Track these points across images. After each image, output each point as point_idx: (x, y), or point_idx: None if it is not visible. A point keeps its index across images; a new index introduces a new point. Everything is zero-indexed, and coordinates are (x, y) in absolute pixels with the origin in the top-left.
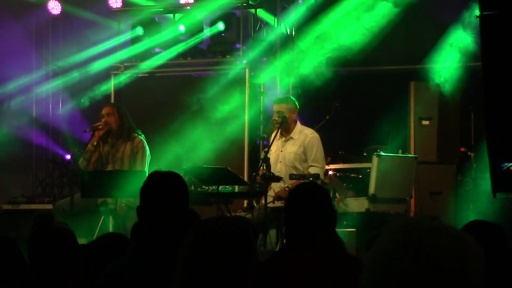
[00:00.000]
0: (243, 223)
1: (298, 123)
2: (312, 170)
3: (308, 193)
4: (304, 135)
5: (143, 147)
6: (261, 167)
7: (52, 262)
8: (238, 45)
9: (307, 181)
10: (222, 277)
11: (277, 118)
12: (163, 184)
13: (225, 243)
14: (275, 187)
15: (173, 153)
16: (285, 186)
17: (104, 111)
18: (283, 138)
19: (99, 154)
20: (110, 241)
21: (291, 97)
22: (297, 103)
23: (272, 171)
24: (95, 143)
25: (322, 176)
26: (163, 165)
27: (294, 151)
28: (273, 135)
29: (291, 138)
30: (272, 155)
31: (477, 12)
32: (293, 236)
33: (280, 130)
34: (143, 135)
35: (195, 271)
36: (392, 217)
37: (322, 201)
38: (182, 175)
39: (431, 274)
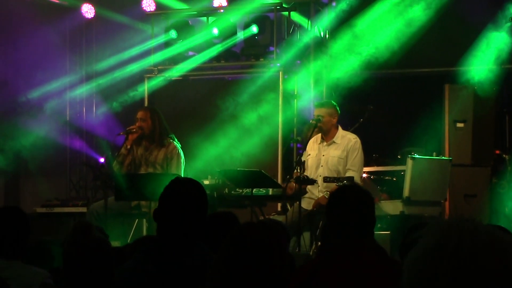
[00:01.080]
0: (275, 229)
1: (340, 128)
2: (348, 174)
3: (352, 196)
4: (348, 139)
5: (178, 154)
6: (296, 170)
7: (88, 270)
8: (271, 48)
9: (341, 184)
10: (255, 282)
11: (311, 121)
12: (180, 190)
13: (257, 250)
14: (312, 190)
15: (207, 156)
16: (325, 193)
17: (138, 115)
18: (325, 143)
19: (132, 157)
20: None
21: (332, 101)
22: (338, 108)
23: (312, 175)
24: (128, 147)
25: (357, 180)
26: (196, 169)
27: (338, 155)
28: (311, 140)
29: (334, 142)
30: (311, 159)
31: (510, 14)
32: (334, 239)
33: (321, 134)
34: (176, 140)
35: (227, 277)
36: (430, 220)
37: (365, 204)
38: (216, 177)
39: (472, 274)
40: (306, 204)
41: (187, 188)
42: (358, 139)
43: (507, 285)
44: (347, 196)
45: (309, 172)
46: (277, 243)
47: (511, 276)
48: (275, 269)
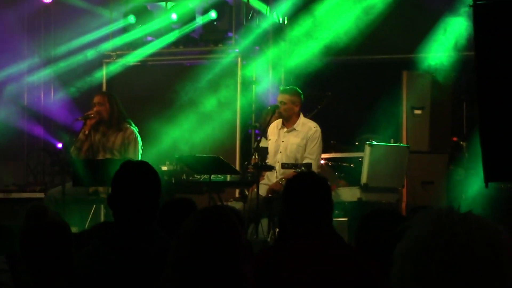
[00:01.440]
0: (230, 214)
1: (302, 115)
2: (306, 161)
3: (309, 183)
4: (308, 128)
5: (135, 138)
6: (254, 156)
7: (46, 255)
8: (230, 34)
9: (299, 170)
10: (214, 267)
11: (281, 107)
12: (132, 173)
13: (213, 234)
14: (270, 176)
15: (165, 142)
16: (279, 179)
17: (95, 100)
18: (285, 129)
19: (90, 143)
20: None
21: (297, 89)
22: (302, 96)
23: (270, 160)
24: (86, 132)
25: (314, 168)
26: (154, 155)
27: (297, 142)
28: (271, 124)
29: (294, 129)
30: (271, 144)
31: (470, 1)
32: (291, 226)
33: (281, 120)
34: (133, 125)
35: (186, 263)
36: (419, 210)
37: (322, 191)
38: (173, 163)
39: (465, 263)
40: (263, 191)
41: (138, 170)
42: (318, 128)
43: (499, 274)
44: (304, 182)
45: (270, 157)
46: (233, 228)
47: (503, 266)
48: (232, 254)
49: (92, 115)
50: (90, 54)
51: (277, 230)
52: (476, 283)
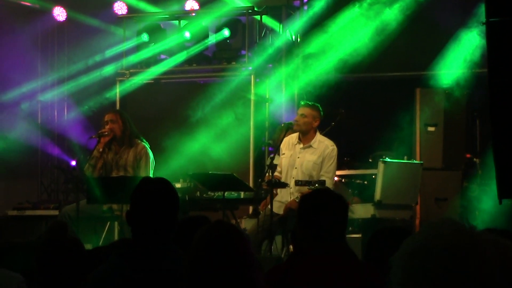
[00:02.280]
0: (237, 230)
1: (318, 132)
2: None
3: (326, 200)
4: (325, 146)
5: (147, 153)
6: (267, 173)
7: (61, 269)
8: (243, 52)
9: (313, 188)
10: (227, 275)
11: (299, 119)
12: (151, 190)
13: (222, 247)
14: (283, 193)
15: (179, 159)
16: (296, 197)
17: (107, 117)
18: (301, 145)
19: (104, 160)
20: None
21: (319, 105)
22: (322, 113)
23: (284, 175)
24: (101, 149)
25: (329, 185)
26: (168, 172)
27: (313, 160)
28: (285, 138)
29: (311, 146)
30: (285, 159)
31: (483, 18)
32: (305, 242)
33: (297, 134)
34: (145, 141)
35: (198, 276)
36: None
37: (339, 208)
38: (187, 181)
39: (459, 273)
40: (277, 208)
41: (156, 186)
42: (335, 147)
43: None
44: (320, 200)
45: (283, 172)
46: (241, 236)
47: (502, 277)
48: (244, 261)
49: (106, 133)
50: (106, 71)
51: (290, 247)
52: None
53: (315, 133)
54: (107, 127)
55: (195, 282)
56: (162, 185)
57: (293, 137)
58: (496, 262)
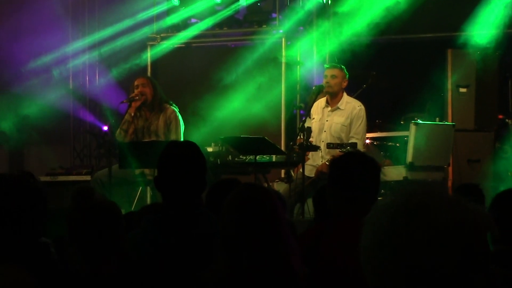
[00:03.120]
0: (269, 192)
1: (345, 93)
2: (351, 141)
3: (357, 163)
4: (352, 106)
5: (176, 117)
6: (299, 137)
7: (96, 236)
8: (274, 15)
9: (345, 150)
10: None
11: (330, 81)
12: (178, 154)
13: (254, 207)
14: (314, 156)
15: (210, 123)
16: (327, 160)
17: (138, 82)
18: (329, 108)
19: (134, 127)
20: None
21: (343, 66)
22: (347, 73)
23: (315, 140)
24: (132, 114)
25: (360, 147)
26: (200, 136)
27: (341, 122)
28: (315, 103)
29: (338, 108)
30: (315, 123)
31: None
32: (338, 206)
33: (326, 98)
34: (175, 105)
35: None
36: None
37: (370, 171)
38: (219, 145)
39: (418, 231)
40: (309, 171)
41: (182, 150)
42: (362, 107)
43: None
44: (352, 162)
45: (313, 136)
46: (271, 203)
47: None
48: (274, 226)
49: (137, 97)
50: (137, 35)
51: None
52: (428, 251)
53: (342, 94)
54: (137, 91)
55: (228, 245)
56: (188, 148)
57: (322, 100)
58: (448, 226)
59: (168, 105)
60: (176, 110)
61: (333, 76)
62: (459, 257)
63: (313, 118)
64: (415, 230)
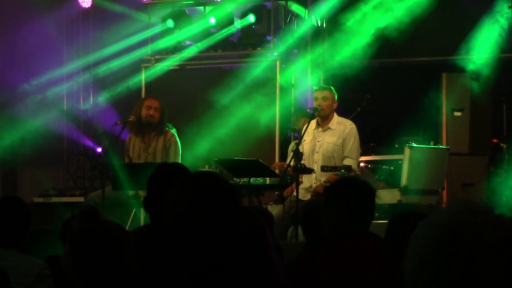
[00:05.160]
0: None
1: (335, 114)
2: (346, 162)
3: (352, 190)
4: (344, 126)
5: (175, 142)
6: (293, 159)
7: (102, 257)
8: (268, 38)
9: (339, 173)
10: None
11: (322, 103)
12: (167, 175)
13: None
14: (307, 178)
15: (204, 145)
16: (323, 181)
17: (152, 103)
18: (320, 129)
19: (133, 149)
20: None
21: (332, 87)
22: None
23: (307, 161)
24: (130, 136)
25: (355, 168)
26: (194, 158)
27: (333, 141)
28: (304, 126)
29: (329, 128)
30: (306, 145)
31: (509, 2)
32: (333, 231)
33: (316, 119)
34: (174, 129)
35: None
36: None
37: (366, 198)
38: (213, 167)
39: (473, 258)
40: (301, 195)
41: (172, 171)
42: (354, 125)
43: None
44: (347, 188)
45: (305, 159)
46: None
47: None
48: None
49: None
50: (131, 57)
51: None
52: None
53: (333, 115)
54: (149, 111)
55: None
56: (177, 170)
57: (312, 123)
58: (494, 243)
59: (167, 129)
60: (175, 134)
61: (324, 98)
62: (505, 275)
63: (304, 140)
64: (460, 248)
